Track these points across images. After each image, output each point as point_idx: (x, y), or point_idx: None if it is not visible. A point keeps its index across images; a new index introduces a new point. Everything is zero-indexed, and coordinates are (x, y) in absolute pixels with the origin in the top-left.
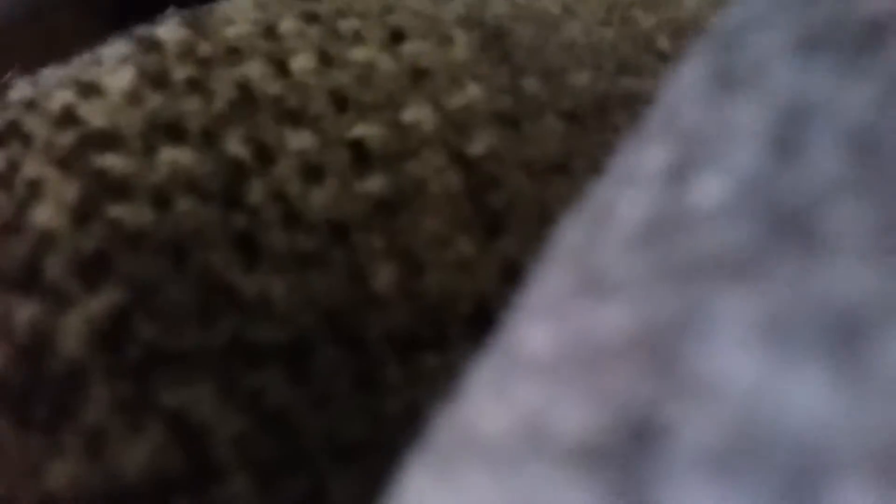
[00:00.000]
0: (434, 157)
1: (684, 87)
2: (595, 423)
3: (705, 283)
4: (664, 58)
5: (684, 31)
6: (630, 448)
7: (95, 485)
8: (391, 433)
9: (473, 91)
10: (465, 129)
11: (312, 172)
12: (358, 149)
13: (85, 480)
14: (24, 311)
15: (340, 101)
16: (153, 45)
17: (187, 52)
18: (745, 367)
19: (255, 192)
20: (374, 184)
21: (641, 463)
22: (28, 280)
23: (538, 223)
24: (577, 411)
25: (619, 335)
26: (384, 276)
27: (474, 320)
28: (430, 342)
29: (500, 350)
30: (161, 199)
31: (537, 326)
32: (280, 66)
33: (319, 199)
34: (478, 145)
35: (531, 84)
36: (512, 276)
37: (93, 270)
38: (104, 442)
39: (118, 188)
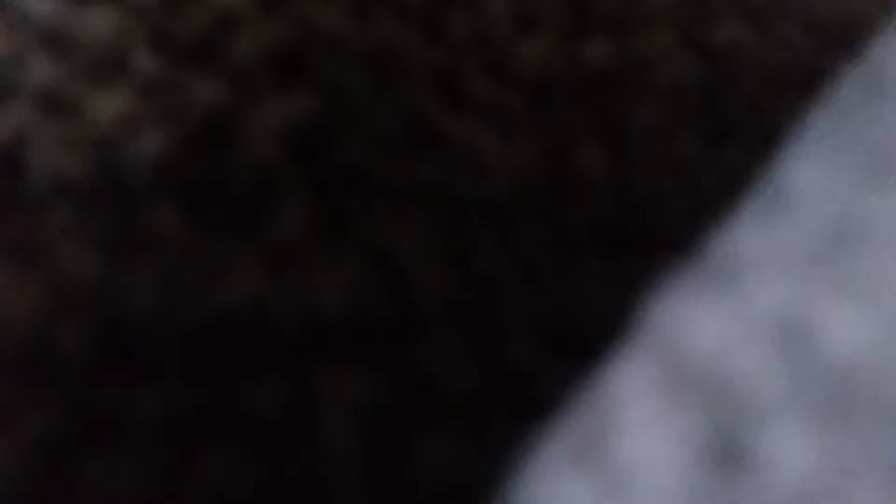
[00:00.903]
0: (667, 35)
1: None
2: None
3: None
4: None
5: None
6: None
7: (282, 306)
8: (599, 334)
9: None
10: (707, 11)
11: (525, 19)
12: (579, 4)
13: (268, 300)
14: (203, 90)
15: None
16: None
17: None
18: None
19: (459, 26)
20: (594, 50)
21: None
22: (208, 54)
23: (771, 138)
24: None
25: None
26: (591, 159)
27: (685, 229)
28: (636, 243)
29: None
30: (358, 5)
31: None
32: None
33: (529, 52)
34: (719, 34)
35: None
36: (732, 189)
37: (285, 66)
38: (294, 262)
39: None
